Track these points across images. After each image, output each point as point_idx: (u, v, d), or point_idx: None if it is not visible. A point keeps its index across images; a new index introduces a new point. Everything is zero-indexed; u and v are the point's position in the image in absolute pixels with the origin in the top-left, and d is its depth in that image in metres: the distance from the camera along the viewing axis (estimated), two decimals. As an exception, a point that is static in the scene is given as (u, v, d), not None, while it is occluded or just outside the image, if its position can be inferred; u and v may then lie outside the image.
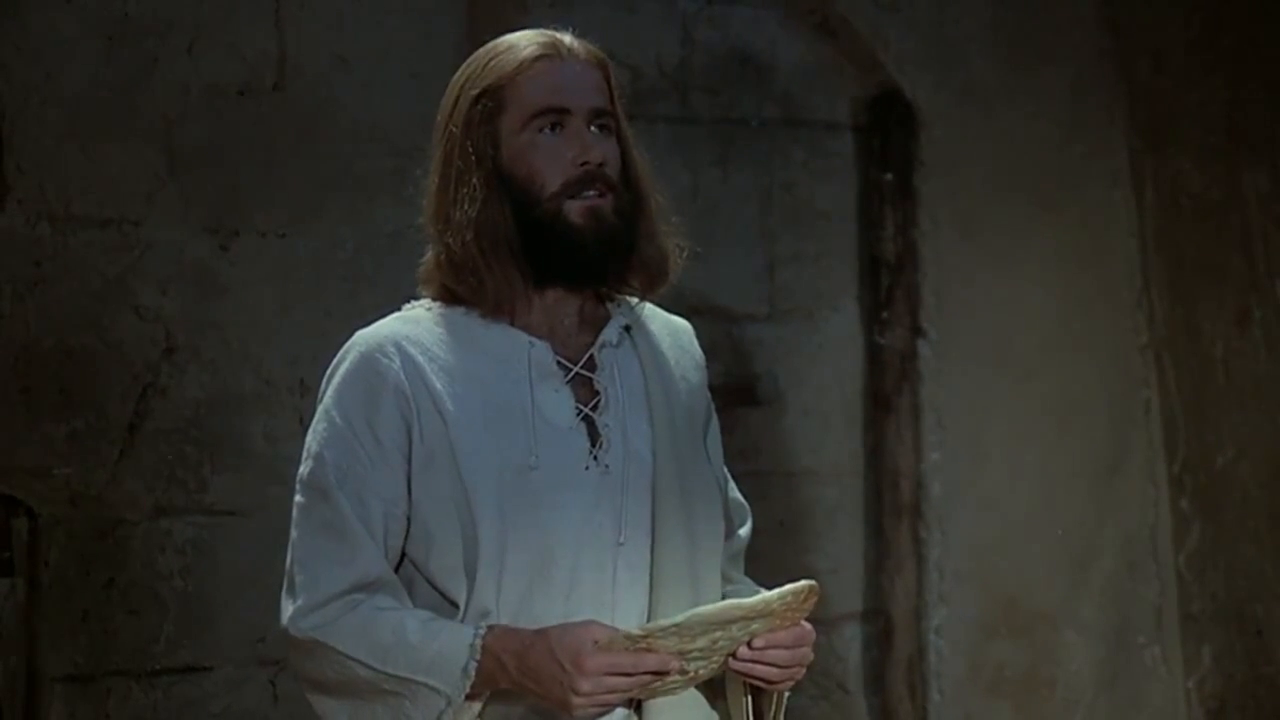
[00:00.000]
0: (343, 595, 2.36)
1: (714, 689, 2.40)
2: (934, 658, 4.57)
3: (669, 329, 2.55)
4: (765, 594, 2.27)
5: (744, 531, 2.60)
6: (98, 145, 3.88)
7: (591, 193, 2.39)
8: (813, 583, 2.28)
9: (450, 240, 2.41)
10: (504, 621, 2.31)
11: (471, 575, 2.33)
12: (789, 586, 2.26)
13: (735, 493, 2.60)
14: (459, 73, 2.49)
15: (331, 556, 2.36)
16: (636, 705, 2.35)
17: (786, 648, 2.30)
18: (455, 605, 2.35)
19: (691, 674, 2.26)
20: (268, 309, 4.00)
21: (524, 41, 2.45)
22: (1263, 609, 4.62)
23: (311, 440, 2.41)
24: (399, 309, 2.48)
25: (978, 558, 4.63)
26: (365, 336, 2.43)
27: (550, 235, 2.40)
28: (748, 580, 2.56)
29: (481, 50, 2.48)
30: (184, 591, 3.90)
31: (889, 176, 4.59)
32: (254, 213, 4.00)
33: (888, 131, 4.60)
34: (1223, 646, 4.71)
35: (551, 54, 2.43)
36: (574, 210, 2.39)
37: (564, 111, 2.40)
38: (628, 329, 2.47)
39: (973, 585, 4.62)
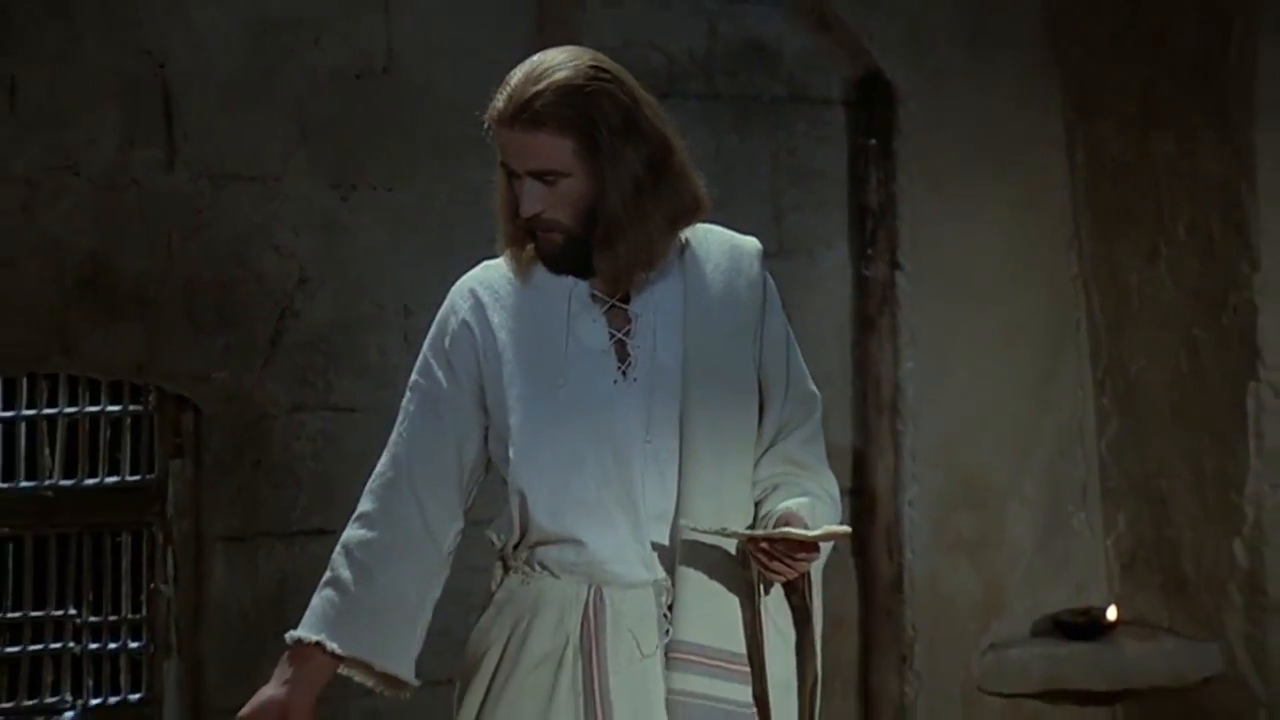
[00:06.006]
0: (379, 476, 2.54)
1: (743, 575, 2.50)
2: (908, 525, 4.69)
3: (729, 250, 2.56)
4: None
5: (812, 421, 2.55)
6: (246, 118, 4.12)
7: (540, 231, 2.47)
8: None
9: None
10: (544, 501, 2.43)
11: (515, 465, 2.47)
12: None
13: (807, 385, 2.55)
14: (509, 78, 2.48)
15: (389, 449, 2.57)
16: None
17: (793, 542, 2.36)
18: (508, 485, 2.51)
19: None
20: (379, 248, 4.21)
21: (503, 91, 2.41)
22: (1165, 484, 4.71)
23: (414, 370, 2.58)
24: (482, 248, 2.66)
25: (943, 445, 4.73)
26: (455, 285, 2.58)
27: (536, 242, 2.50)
28: (824, 472, 2.52)
29: (515, 71, 2.47)
30: (315, 471, 4.15)
31: (873, 142, 4.71)
32: (368, 171, 4.21)
33: (872, 105, 4.71)
34: (1134, 514, 4.82)
35: (501, 120, 2.40)
36: (539, 237, 2.49)
37: (512, 171, 2.46)
38: (680, 252, 2.51)
39: (939, 467, 4.72)
